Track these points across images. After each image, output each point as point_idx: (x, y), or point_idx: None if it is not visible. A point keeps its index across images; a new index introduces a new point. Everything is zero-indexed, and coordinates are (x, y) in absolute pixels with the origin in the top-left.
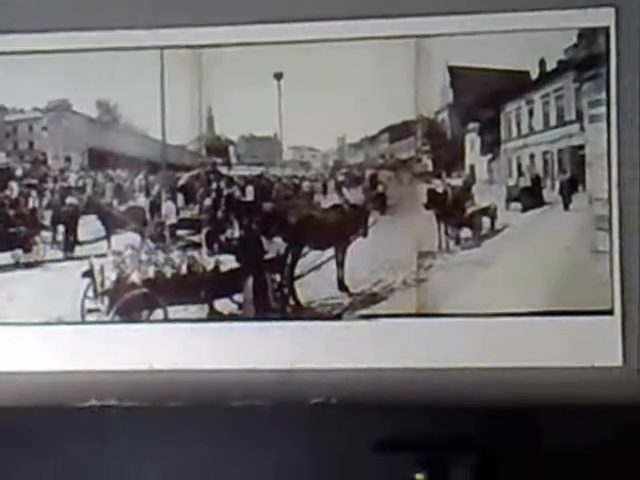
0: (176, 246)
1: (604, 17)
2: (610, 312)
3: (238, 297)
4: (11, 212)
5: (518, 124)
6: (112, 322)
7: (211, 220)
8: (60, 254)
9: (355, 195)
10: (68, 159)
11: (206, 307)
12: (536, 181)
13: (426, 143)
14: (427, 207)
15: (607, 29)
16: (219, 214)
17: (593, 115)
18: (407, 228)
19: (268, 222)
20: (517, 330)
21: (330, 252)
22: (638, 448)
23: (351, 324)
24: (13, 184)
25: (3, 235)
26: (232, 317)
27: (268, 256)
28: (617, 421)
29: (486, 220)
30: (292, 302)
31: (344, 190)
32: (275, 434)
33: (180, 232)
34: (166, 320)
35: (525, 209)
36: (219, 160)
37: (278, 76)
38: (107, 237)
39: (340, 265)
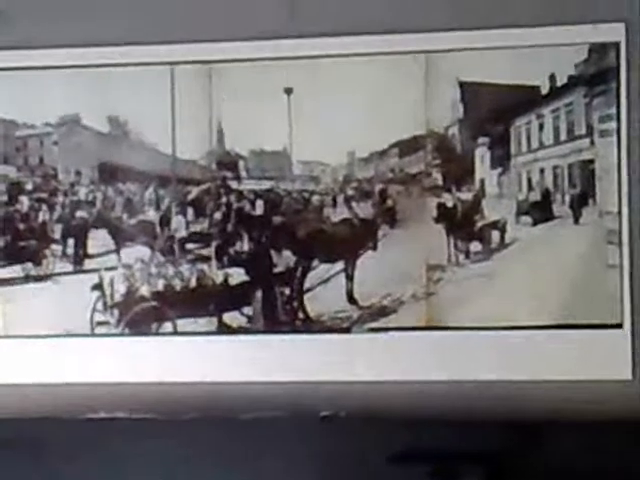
0: (185, 259)
1: (614, 32)
2: (620, 326)
3: (247, 310)
4: (22, 226)
5: (528, 138)
6: (121, 335)
7: (221, 234)
8: (70, 267)
9: (365, 209)
10: (78, 173)
11: (215, 320)
12: (546, 195)
13: (436, 157)
14: (437, 221)
15: (617, 44)
16: (229, 228)
17: (603, 130)
18: (417, 242)
19: (278, 236)
20: (526, 344)
21: (339, 265)
22: None
23: (360, 337)
24: (24, 198)
25: (14, 249)
26: (241, 330)
27: (277, 269)
28: (627, 435)
29: (496, 234)
30: (301, 315)
31: (354, 204)
32: (284, 447)
33: (190, 245)
34: (175, 333)
35: (535, 223)
36: (229, 174)
37: (288, 91)
38: (117, 250)
39: (349, 278)
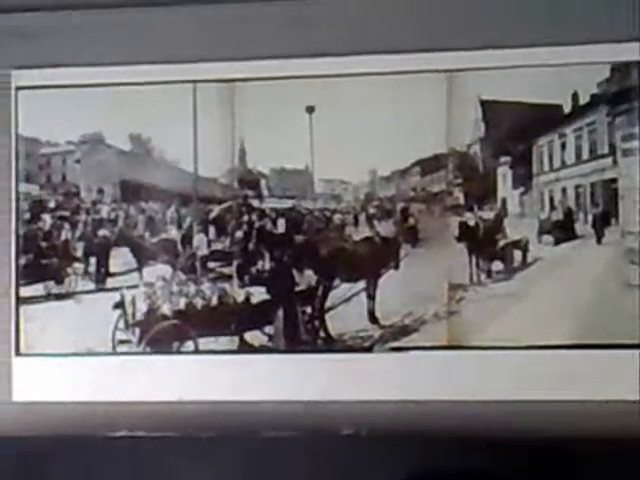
0: (207, 278)
1: (637, 51)
2: None
3: (269, 329)
4: (44, 244)
5: (550, 157)
6: (143, 353)
7: (242, 252)
8: (92, 285)
9: (386, 228)
10: (100, 191)
11: (236, 339)
12: (568, 214)
13: (458, 176)
14: (459, 240)
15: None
16: (250, 246)
17: (626, 149)
18: (438, 261)
19: (299, 254)
20: (548, 363)
21: (361, 284)
22: None
23: (382, 356)
24: (46, 216)
25: (35, 267)
26: (262, 349)
27: (299, 288)
28: None
29: (518, 253)
30: (323, 334)
31: (375, 223)
32: (305, 466)
33: (211, 264)
34: (196, 352)
35: (557, 242)
36: (251, 193)
37: (310, 109)
38: (139, 269)
39: (371, 297)
